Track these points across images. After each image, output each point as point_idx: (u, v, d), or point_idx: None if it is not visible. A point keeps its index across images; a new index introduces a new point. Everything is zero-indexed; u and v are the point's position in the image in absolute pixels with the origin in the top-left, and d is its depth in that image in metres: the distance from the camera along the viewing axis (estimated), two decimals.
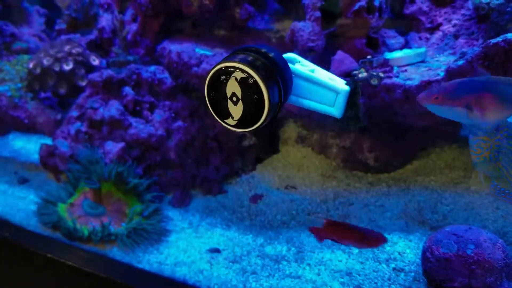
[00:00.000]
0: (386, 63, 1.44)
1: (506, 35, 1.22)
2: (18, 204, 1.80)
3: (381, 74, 1.40)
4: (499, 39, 1.21)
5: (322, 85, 0.86)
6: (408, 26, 1.73)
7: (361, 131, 1.73)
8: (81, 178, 1.65)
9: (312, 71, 0.88)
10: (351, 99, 0.89)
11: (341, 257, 1.37)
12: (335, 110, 0.87)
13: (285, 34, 1.63)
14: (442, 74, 1.34)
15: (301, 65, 0.89)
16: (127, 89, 1.81)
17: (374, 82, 1.40)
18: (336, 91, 0.86)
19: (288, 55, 0.88)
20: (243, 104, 0.73)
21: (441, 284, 1.13)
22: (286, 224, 1.59)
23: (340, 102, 0.86)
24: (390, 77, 1.41)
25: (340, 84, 0.86)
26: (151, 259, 1.46)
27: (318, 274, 1.31)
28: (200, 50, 1.73)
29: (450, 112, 0.94)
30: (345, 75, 1.47)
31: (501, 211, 1.45)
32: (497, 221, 1.41)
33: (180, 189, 1.80)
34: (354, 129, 0.91)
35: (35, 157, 1.96)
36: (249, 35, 1.87)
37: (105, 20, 2.03)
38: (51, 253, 1.45)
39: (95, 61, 1.96)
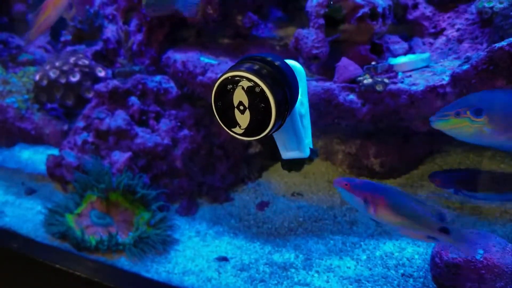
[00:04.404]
0: (390, 69, 1.44)
1: (510, 39, 1.21)
2: (25, 214, 1.81)
3: (386, 80, 1.41)
4: (504, 43, 1.21)
5: (297, 135, 0.92)
6: (412, 31, 1.73)
7: (368, 136, 1.74)
8: (88, 188, 1.66)
9: (302, 113, 0.92)
10: (301, 160, 0.99)
11: (350, 264, 1.37)
12: (286, 154, 0.97)
13: (289, 42, 1.63)
14: (447, 79, 1.34)
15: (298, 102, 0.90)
16: (133, 99, 1.82)
17: (379, 88, 1.40)
18: (298, 147, 0.94)
19: (292, 63, 0.87)
20: (250, 113, 0.73)
21: None
22: (293, 231, 1.59)
23: (294, 154, 0.96)
24: (395, 83, 1.42)
25: (306, 147, 0.95)
26: (159, 269, 1.46)
27: (327, 281, 1.31)
28: (205, 59, 1.74)
29: (353, 200, 1.09)
30: (350, 81, 1.47)
31: (510, 215, 1.44)
32: (506, 225, 1.40)
33: (187, 198, 1.80)
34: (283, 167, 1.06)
35: (42, 167, 1.97)
36: (253, 43, 1.88)
37: (110, 31, 2.04)
38: (59, 264, 1.45)
39: (101, 73, 1.98)
